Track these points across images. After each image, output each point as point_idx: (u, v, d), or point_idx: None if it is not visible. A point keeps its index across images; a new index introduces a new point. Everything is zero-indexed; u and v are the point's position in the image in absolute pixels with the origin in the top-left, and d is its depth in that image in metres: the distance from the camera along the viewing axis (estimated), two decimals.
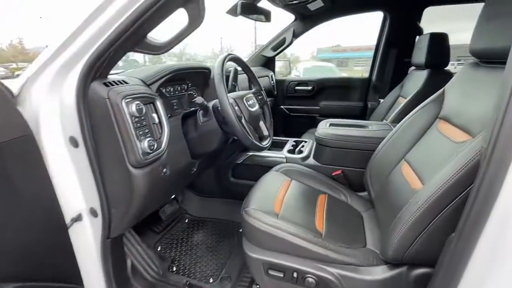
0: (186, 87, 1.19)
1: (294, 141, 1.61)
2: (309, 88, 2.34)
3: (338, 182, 1.30)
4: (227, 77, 1.42)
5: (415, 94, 1.51)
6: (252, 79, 1.16)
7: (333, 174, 1.32)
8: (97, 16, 0.65)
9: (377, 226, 1.02)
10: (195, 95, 1.25)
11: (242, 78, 1.61)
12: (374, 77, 2.14)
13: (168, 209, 1.41)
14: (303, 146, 1.52)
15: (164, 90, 1.04)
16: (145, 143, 0.76)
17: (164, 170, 0.89)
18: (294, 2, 1.37)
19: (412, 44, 1.97)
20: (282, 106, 2.44)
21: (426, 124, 0.99)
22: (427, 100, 1.02)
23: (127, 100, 0.74)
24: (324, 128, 1.39)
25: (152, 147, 0.78)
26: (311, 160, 1.39)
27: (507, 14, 0.70)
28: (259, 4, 1.39)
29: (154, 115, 0.83)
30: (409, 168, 0.94)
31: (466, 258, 0.49)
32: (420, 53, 1.60)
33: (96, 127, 0.76)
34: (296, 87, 2.37)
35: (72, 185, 0.83)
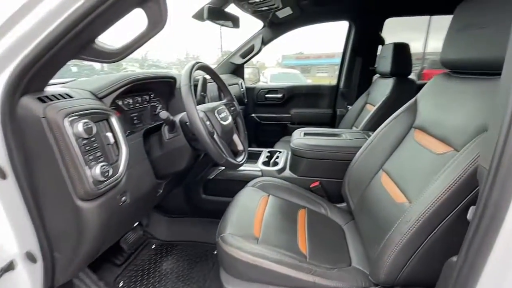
0: (148, 98, 1.05)
1: (268, 152, 1.54)
2: (280, 95, 2.31)
3: (316, 194, 1.26)
4: (195, 87, 1.30)
5: (383, 102, 1.54)
6: (223, 89, 1.06)
7: (311, 186, 1.28)
8: (25, 14, 0.51)
9: (359, 241, 0.99)
10: (159, 108, 1.11)
11: (210, 87, 1.51)
12: (341, 85, 2.18)
13: (130, 237, 1.24)
14: (278, 157, 1.46)
15: (121, 103, 0.90)
16: (97, 170, 0.63)
17: (123, 198, 0.75)
18: (264, 8, 1.32)
19: (375, 53, 2.05)
20: (253, 114, 2.38)
21: (401, 133, 0.98)
22: (400, 110, 1.02)
23: (71, 119, 0.60)
24: (299, 138, 1.34)
25: (107, 174, 0.65)
26: (287, 172, 1.33)
27: (475, 25, 0.71)
28: (227, 10, 1.32)
29: (109, 134, 0.69)
30: (389, 179, 0.92)
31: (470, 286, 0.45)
32: (385, 62, 1.66)
33: (30, 153, 0.60)
34: (267, 95, 2.33)
35: (0, 225, 0.65)
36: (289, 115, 2.34)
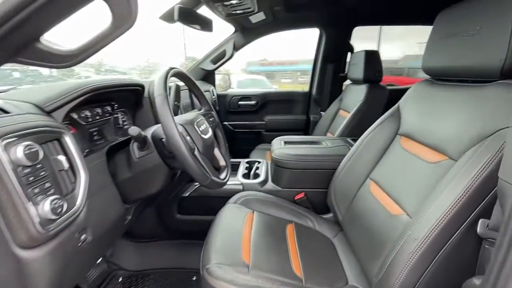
0: (110, 109, 0.90)
1: (247, 163, 1.45)
2: (253, 102, 2.24)
3: (301, 206, 1.20)
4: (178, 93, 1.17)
5: (358, 108, 1.56)
6: (200, 98, 0.95)
7: (295, 198, 1.21)
8: None
9: (352, 255, 0.94)
10: (123, 120, 0.96)
11: (182, 94, 1.38)
12: (314, 91, 2.19)
13: (92, 273, 1.04)
14: (258, 168, 1.38)
15: (77, 117, 0.75)
16: (46, 206, 0.48)
17: (84, 236, 0.60)
18: (238, 12, 1.25)
19: (344, 60, 2.10)
20: (225, 122, 2.27)
21: (386, 140, 0.97)
22: (383, 117, 1.01)
23: (6, 142, 0.45)
24: (280, 148, 1.28)
25: (59, 210, 0.50)
26: (270, 185, 1.26)
27: (460, 33, 0.72)
28: (199, 11, 1.22)
29: (61, 158, 0.55)
30: (378, 188, 0.90)
31: None
32: (357, 69, 1.69)
33: None
34: (240, 102, 2.25)
35: None
36: (263, 122, 2.29)
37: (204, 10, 1.25)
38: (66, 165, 0.55)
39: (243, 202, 1.12)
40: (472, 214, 0.54)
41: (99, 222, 0.69)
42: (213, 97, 2.08)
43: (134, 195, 0.80)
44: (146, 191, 0.80)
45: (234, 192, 1.19)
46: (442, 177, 0.67)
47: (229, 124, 2.28)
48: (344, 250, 0.98)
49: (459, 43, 0.70)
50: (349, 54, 2.05)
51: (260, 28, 1.83)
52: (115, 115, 0.92)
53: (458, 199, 0.55)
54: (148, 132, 0.77)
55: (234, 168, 1.42)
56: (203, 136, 0.76)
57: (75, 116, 0.74)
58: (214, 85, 2.17)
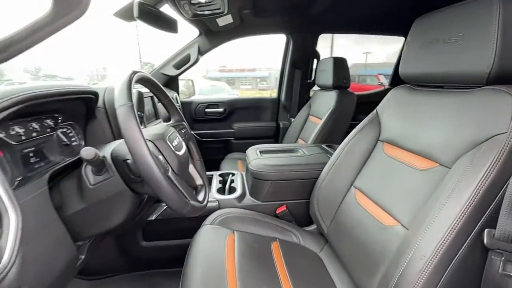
0: (53, 123, 0.72)
1: (220, 176, 1.34)
2: (221, 110, 2.13)
3: (284, 220, 1.13)
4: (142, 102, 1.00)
5: (330, 114, 1.56)
6: (170, 107, 0.82)
7: (277, 212, 1.14)
8: None
9: (342, 269, 0.89)
10: (72, 136, 0.79)
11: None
12: (283, 97, 2.17)
13: None
14: (233, 182, 1.27)
15: (4, 135, 0.56)
16: None
17: None
18: (206, 12, 1.14)
19: (311, 67, 2.13)
20: (192, 132, 2.11)
21: (367, 147, 0.95)
22: (363, 123, 1.00)
23: None
24: (257, 158, 1.19)
25: None
26: (248, 199, 1.16)
27: (436, 40, 0.72)
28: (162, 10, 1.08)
29: None
30: (365, 197, 0.87)
31: None
32: (325, 76, 1.70)
33: None
34: (206, 109, 2.11)
35: None
36: (232, 130, 2.19)
37: (166, 9, 1.12)
38: None
39: (221, 222, 1.00)
40: (478, 224, 0.52)
41: (40, 273, 0.52)
42: (177, 104, 1.92)
43: (88, 230, 0.63)
44: (105, 225, 0.64)
45: (209, 211, 1.07)
46: (435, 184, 0.65)
47: (195, 134, 2.13)
48: (333, 264, 0.93)
49: (441, 49, 0.70)
50: (315, 61, 2.08)
51: (226, 32, 1.74)
52: (60, 130, 0.74)
53: (464, 209, 0.52)
54: (106, 151, 0.61)
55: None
56: (177, 153, 0.64)
57: (2, 134, 0.56)
58: (177, 92, 2.01)
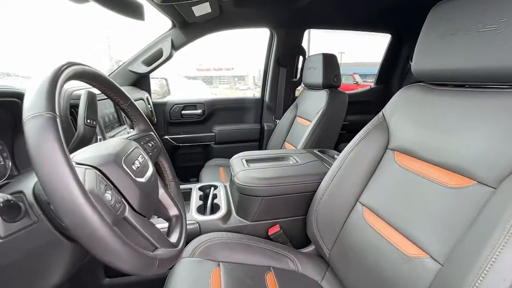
0: None
1: (200, 189, 1.15)
2: (199, 111, 1.93)
3: (277, 242, 0.96)
4: (72, 112, 0.78)
5: (321, 116, 1.43)
6: (131, 112, 0.62)
7: (269, 234, 0.97)
8: None
9: None
10: None
11: (101, 106, 1.00)
12: (267, 97, 2.01)
13: None
14: (215, 197, 1.09)
15: None
16: None
17: None
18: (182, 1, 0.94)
19: (297, 64, 1.99)
20: (166, 136, 1.89)
21: (374, 157, 0.82)
22: (366, 128, 0.86)
23: None
24: (244, 170, 1.02)
25: None
26: (235, 219, 0.98)
27: (465, 29, 0.60)
28: None
29: None
30: (377, 217, 0.73)
31: None
32: (314, 74, 1.57)
33: None
34: (183, 111, 1.90)
35: None
36: (212, 133, 1.99)
37: None
38: None
39: (203, 252, 0.82)
40: None
41: None
42: (149, 106, 1.69)
43: None
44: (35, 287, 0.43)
45: (187, 236, 0.88)
46: (473, 206, 0.52)
47: (170, 138, 1.91)
48: None
49: (470, 40, 0.58)
50: (300, 58, 1.94)
51: (204, 24, 1.54)
52: None
53: None
54: (26, 184, 0.41)
55: (184, 197, 1.10)
56: (139, 180, 0.45)
57: None
58: (149, 92, 1.77)
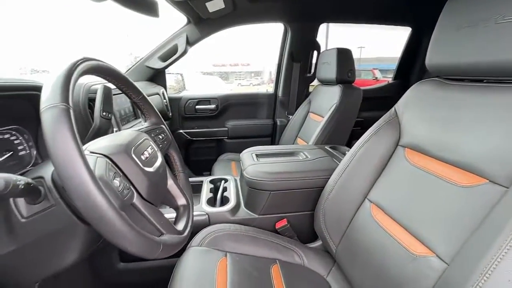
0: None
1: (211, 182, 1.18)
2: (213, 106, 1.96)
3: (284, 236, 0.98)
4: (90, 104, 0.82)
5: (333, 111, 1.41)
6: (143, 106, 0.66)
7: (276, 227, 0.98)
8: None
9: None
10: (19, 144, 0.61)
11: (118, 100, 1.05)
12: (280, 93, 2.00)
13: None
14: (226, 190, 1.11)
15: None
16: None
17: None
18: None
19: (311, 59, 1.96)
20: (181, 130, 1.94)
21: (384, 153, 0.80)
22: (378, 124, 0.84)
23: None
24: (253, 164, 1.03)
25: None
26: (243, 212, 1.00)
27: (480, 19, 0.57)
28: None
29: None
30: (385, 215, 0.72)
31: None
32: (328, 69, 1.54)
33: None
34: (197, 106, 1.94)
35: None
36: (225, 128, 2.02)
37: None
38: None
39: (211, 242, 0.84)
40: None
41: None
42: (164, 101, 1.74)
43: (29, 275, 0.47)
44: (53, 267, 0.47)
45: (197, 228, 0.91)
46: (484, 206, 0.51)
47: (185, 132, 1.96)
48: None
49: (490, 32, 0.55)
50: (315, 53, 1.91)
51: (218, 19, 1.56)
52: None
53: None
54: (46, 171, 0.45)
55: (195, 190, 1.13)
56: (147, 169, 0.47)
57: None
58: (165, 87, 1.83)
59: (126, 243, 0.35)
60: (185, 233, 0.54)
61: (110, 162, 0.42)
